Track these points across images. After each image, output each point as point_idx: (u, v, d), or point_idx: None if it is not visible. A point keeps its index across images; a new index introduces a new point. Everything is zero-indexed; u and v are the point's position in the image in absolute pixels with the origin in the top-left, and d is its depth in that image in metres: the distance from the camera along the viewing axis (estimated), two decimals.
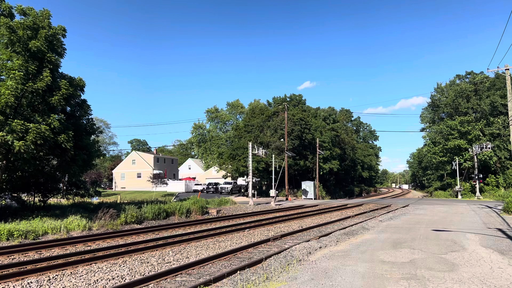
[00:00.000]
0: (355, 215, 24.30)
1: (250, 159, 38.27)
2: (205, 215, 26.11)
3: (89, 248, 12.94)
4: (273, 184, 41.13)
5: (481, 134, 56.01)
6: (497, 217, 20.78)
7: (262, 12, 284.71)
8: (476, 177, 50.42)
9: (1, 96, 16.40)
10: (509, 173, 54.85)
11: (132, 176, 78.18)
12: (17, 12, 19.32)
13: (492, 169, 56.51)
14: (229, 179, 63.10)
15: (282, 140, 55.49)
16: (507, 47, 62.26)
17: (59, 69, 20.63)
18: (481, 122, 56.73)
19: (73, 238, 14.79)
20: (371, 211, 27.46)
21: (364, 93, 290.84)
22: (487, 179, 55.67)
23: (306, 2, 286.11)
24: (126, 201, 34.53)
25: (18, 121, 16.55)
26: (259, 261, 9.89)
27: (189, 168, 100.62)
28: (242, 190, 57.50)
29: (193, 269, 9.54)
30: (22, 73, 17.23)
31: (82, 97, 22.38)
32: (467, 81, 67.27)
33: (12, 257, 11.47)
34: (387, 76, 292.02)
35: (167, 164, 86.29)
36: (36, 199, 22.39)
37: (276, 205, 36.63)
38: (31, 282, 8.44)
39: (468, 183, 56.62)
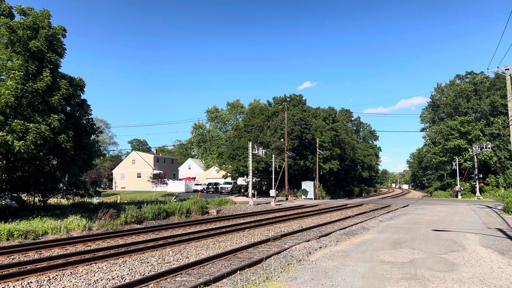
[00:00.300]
0: (355, 215, 24.30)
1: (250, 159, 38.27)
2: (205, 215, 26.11)
3: (89, 248, 12.94)
4: (273, 184, 41.12)
5: (481, 134, 56.02)
6: (497, 217, 20.78)
7: (262, 12, 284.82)
8: (476, 177, 50.42)
9: (1, 96, 16.40)
10: (509, 173, 54.85)
11: (132, 176, 78.18)
12: (17, 12, 19.32)
13: (492, 169, 56.51)
14: (229, 179, 63.11)
15: (282, 140, 55.49)
16: (507, 47, 62.30)
17: (59, 69, 20.63)
18: (481, 122, 56.73)
19: (73, 238, 14.79)
20: (371, 211, 27.46)
21: (364, 93, 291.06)
22: (487, 179, 55.67)
23: (306, 2, 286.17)
24: (126, 201, 34.52)
25: (18, 121, 16.55)
26: (259, 261, 9.89)
27: (189, 168, 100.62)
28: (242, 190, 57.49)
29: (193, 269, 9.54)
30: (22, 73, 17.24)
31: (82, 97, 22.40)
32: (467, 81, 67.25)
33: (12, 257, 11.47)
34: (387, 76, 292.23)
35: (167, 164, 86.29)
36: (36, 199, 22.39)
37: (276, 205, 36.62)
38: (31, 282, 8.44)
39: (468, 183, 56.62)
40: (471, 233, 14.13)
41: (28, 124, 16.90)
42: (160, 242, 13.74)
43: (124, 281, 8.61)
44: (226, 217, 23.80)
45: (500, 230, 15.14)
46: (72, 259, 10.67)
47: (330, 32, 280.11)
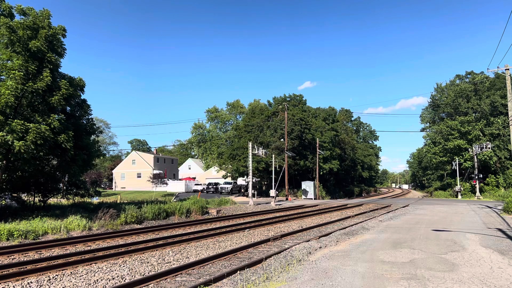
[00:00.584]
0: (355, 215, 24.30)
1: (250, 159, 38.27)
2: (205, 215, 26.11)
3: (89, 248, 12.93)
4: (273, 184, 41.12)
5: (481, 134, 56.03)
6: (497, 217, 20.78)
7: (262, 12, 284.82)
8: (476, 177, 50.43)
9: (1, 96, 16.40)
10: (509, 173, 54.86)
11: (132, 176, 78.18)
12: (17, 12, 19.31)
13: (492, 169, 56.52)
14: (229, 179, 63.11)
15: (282, 140, 55.48)
16: (507, 47, 62.29)
17: (59, 69, 20.63)
18: (481, 122, 56.73)
19: (73, 238, 14.79)
20: (371, 211, 27.46)
21: (364, 93, 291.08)
22: (487, 179, 55.67)
23: (306, 2, 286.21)
24: (126, 201, 34.52)
25: (18, 121, 16.55)
26: (259, 261, 9.89)
27: (189, 168, 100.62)
28: (242, 190, 57.49)
29: (193, 269, 9.54)
30: (22, 73, 17.24)
31: (82, 97, 22.41)
32: (467, 81, 67.27)
33: (12, 257, 11.47)
34: (387, 76, 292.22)
35: (167, 164, 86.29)
36: (36, 199, 22.39)
37: (276, 205, 36.63)
38: (31, 282, 8.44)
39: (468, 183, 56.63)
40: (471, 233, 14.13)
41: (28, 124, 16.90)
42: (160, 242, 13.74)
43: (124, 281, 8.61)
44: (226, 217, 23.80)
45: (500, 230, 15.14)
46: (72, 259, 10.67)
47: (330, 32, 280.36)
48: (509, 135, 31.85)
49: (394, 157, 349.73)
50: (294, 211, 29.55)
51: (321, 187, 59.07)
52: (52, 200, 25.49)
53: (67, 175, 23.32)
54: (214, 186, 59.74)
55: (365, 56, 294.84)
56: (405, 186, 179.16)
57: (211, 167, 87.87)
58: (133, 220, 20.25)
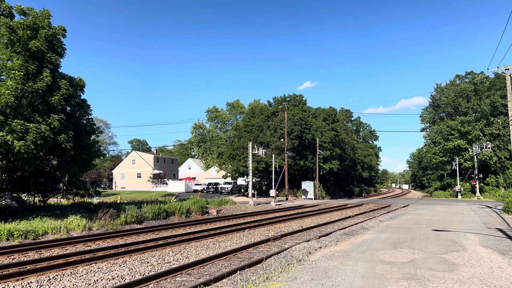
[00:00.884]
0: (355, 215, 24.30)
1: (250, 159, 38.27)
2: (205, 215, 26.11)
3: (89, 248, 12.93)
4: (273, 184, 41.12)
5: (481, 134, 56.03)
6: (497, 217, 20.78)
7: (262, 12, 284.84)
8: (476, 177, 50.43)
9: (1, 96, 16.40)
10: (509, 173, 54.85)
11: (132, 176, 78.17)
12: (17, 12, 19.31)
13: (492, 169, 56.52)
14: (229, 179, 63.11)
15: (282, 140, 55.48)
16: (507, 47, 62.30)
17: (59, 69, 20.62)
18: (481, 122, 56.73)
19: (73, 238, 14.79)
20: (371, 211, 27.46)
21: (364, 93, 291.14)
22: (487, 179, 55.67)
23: (306, 2, 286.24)
24: (126, 201, 34.52)
25: (18, 121, 16.55)
26: (259, 261, 9.89)
27: (189, 168, 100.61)
28: (242, 190, 57.49)
29: (193, 269, 9.54)
30: (22, 73, 17.23)
31: (82, 97, 22.41)
32: (467, 81, 67.27)
33: (12, 257, 11.47)
34: (387, 76, 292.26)
35: (167, 164, 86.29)
36: (36, 199, 22.38)
37: (276, 205, 36.62)
38: (31, 282, 8.44)
39: (468, 183, 56.62)
40: (471, 233, 14.13)
41: (28, 124, 16.89)
42: (160, 242, 13.73)
43: (124, 281, 8.61)
44: (226, 217, 23.80)
45: (500, 230, 15.14)
46: (72, 259, 10.66)
47: (330, 32, 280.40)
48: (509, 135, 31.85)
49: (394, 157, 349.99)
50: (294, 211, 29.55)
51: (321, 187, 59.07)
52: (52, 200, 25.49)
53: (67, 175, 23.32)
54: (214, 186, 59.74)
55: (365, 56, 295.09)
56: (405, 186, 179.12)
57: (211, 167, 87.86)
58: (133, 220, 20.25)
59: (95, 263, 10.40)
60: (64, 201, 26.38)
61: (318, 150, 57.11)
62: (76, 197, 24.93)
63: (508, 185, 53.94)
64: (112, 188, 79.28)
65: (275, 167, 45.01)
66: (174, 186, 64.80)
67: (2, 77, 18.42)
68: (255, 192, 45.84)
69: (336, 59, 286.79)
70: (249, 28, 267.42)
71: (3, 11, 19.26)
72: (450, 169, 60.25)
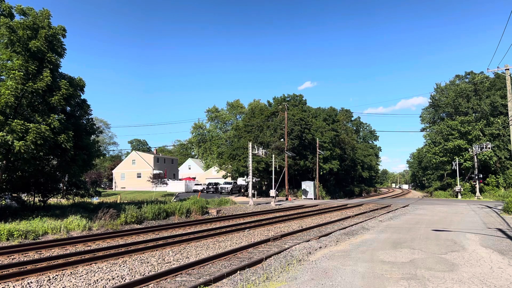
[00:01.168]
0: (355, 215, 24.30)
1: (250, 159, 38.26)
2: (205, 215, 26.11)
3: (89, 248, 12.93)
4: (273, 184, 41.12)
5: (481, 134, 56.03)
6: (497, 217, 20.78)
7: (262, 12, 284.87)
8: (476, 177, 50.42)
9: (1, 96, 16.40)
10: (509, 173, 54.85)
11: (132, 176, 78.17)
12: (17, 12, 19.30)
13: (492, 169, 56.51)
14: (229, 179, 63.10)
15: (282, 140, 55.48)
16: (507, 47, 62.30)
17: (59, 69, 20.62)
18: (481, 122, 56.73)
19: (73, 238, 14.79)
20: (371, 211, 27.46)
21: (364, 93, 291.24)
22: (487, 179, 55.67)
23: (306, 2, 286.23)
24: (126, 201, 34.52)
25: (18, 121, 16.55)
26: (259, 261, 9.89)
27: (189, 168, 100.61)
28: (242, 190, 57.49)
29: (193, 269, 9.54)
30: (22, 73, 17.23)
31: (82, 97, 22.39)
32: (467, 81, 67.28)
33: (12, 257, 11.47)
34: (388, 76, 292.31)
35: (167, 164, 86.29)
36: (36, 199, 22.38)
37: (276, 205, 36.62)
38: (31, 282, 8.44)
39: (468, 183, 56.62)
40: (471, 233, 14.13)
41: (28, 124, 16.89)
42: (160, 242, 13.73)
43: (124, 281, 8.61)
44: (226, 217, 23.80)
45: (500, 230, 15.14)
46: (72, 259, 10.66)
47: (330, 32, 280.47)
48: (509, 135, 31.85)
49: (394, 157, 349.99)
50: (294, 211, 29.54)
51: (321, 187, 59.07)
52: (52, 200, 25.49)
53: (67, 175, 23.31)
54: (214, 186, 59.74)
55: (365, 56, 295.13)
56: (405, 186, 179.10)
57: (211, 167, 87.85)
58: (133, 220, 20.25)
59: (95, 263, 10.40)
60: (64, 201, 26.38)
61: (318, 150, 57.11)
62: (76, 197, 24.93)
63: (508, 185, 53.93)
64: (112, 188, 79.27)
65: (275, 167, 45.01)
66: (174, 186, 64.81)
67: (2, 77, 18.41)
68: (255, 192, 45.84)
69: (336, 59, 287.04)
70: (249, 28, 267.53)
71: (3, 11, 19.25)
72: (450, 169, 60.23)
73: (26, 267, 9.65)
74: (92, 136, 23.66)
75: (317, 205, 35.76)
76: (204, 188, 61.57)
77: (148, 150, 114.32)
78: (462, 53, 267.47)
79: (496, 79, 60.65)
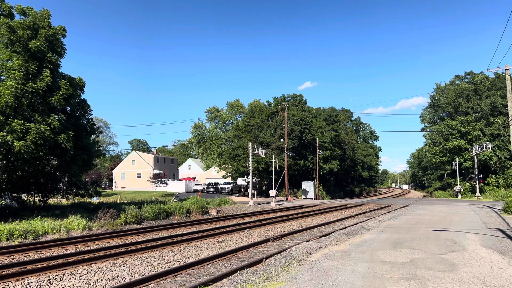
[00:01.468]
0: (355, 215, 24.30)
1: (250, 159, 38.26)
2: (205, 215, 26.11)
3: (89, 248, 12.93)
4: (273, 184, 41.12)
5: (481, 134, 56.02)
6: (497, 217, 20.78)
7: (262, 12, 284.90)
8: (476, 177, 50.42)
9: (1, 96, 16.40)
10: (509, 173, 54.84)
11: (132, 176, 78.16)
12: (17, 12, 19.31)
13: (492, 169, 56.51)
14: (229, 179, 63.08)
15: (282, 140, 55.47)
16: (507, 47, 62.31)
17: (59, 69, 20.62)
18: (481, 122, 56.73)
19: (73, 238, 14.79)
20: (371, 211, 27.45)
21: (364, 93, 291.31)
22: (487, 179, 55.66)
23: (306, 2, 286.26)
24: (126, 201, 34.52)
25: (18, 121, 16.55)
26: (259, 261, 9.88)
27: (189, 168, 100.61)
28: (242, 190, 57.48)
29: (193, 269, 9.54)
30: (22, 73, 17.23)
31: (82, 97, 22.40)
32: (467, 81, 67.29)
33: (12, 257, 11.47)
34: (388, 76, 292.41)
35: (167, 164, 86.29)
36: (36, 199, 22.38)
37: (276, 205, 36.62)
38: (31, 282, 8.44)
39: (468, 183, 56.62)
40: (471, 233, 14.12)
41: (28, 124, 16.89)
42: (160, 242, 13.73)
43: (124, 281, 8.61)
44: (226, 217, 23.80)
45: (500, 230, 15.14)
46: (72, 259, 10.66)
47: (331, 32, 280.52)
48: (509, 135, 31.84)
49: (394, 157, 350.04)
50: (294, 211, 29.54)
51: (321, 187, 59.06)
52: (52, 200, 25.49)
53: (67, 175, 23.31)
54: (214, 186, 59.73)
55: (365, 56, 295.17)
56: (405, 186, 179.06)
57: (211, 167, 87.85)
58: (133, 220, 20.25)
59: (95, 263, 10.40)
60: (64, 201, 26.38)
61: (318, 150, 57.11)
62: (76, 197, 24.92)
63: (508, 185, 53.92)
64: (112, 188, 79.27)
65: (275, 167, 45.00)
66: (174, 186, 64.81)
67: (2, 77, 18.41)
68: (255, 192, 45.84)
69: (336, 59, 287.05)
70: (249, 28, 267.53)
71: (3, 11, 19.26)
72: (450, 169, 60.22)
73: (26, 267, 9.65)
74: (92, 136, 23.67)
75: (317, 205, 35.75)
76: (204, 188, 61.56)
77: (148, 150, 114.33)
78: (462, 53, 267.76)
79: (496, 79, 60.65)
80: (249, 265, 9.45)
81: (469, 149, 53.00)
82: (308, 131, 60.24)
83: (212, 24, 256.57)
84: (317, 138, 59.07)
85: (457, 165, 54.77)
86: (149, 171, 73.55)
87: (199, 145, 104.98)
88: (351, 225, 17.60)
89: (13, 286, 8.23)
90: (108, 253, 11.65)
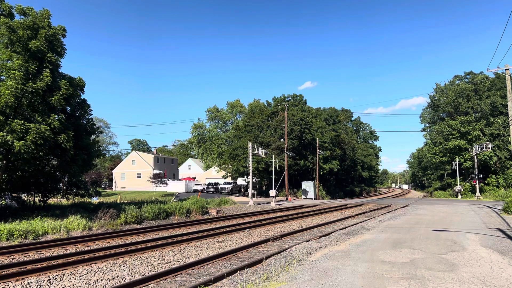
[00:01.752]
0: (355, 215, 24.30)
1: (250, 159, 38.26)
2: (205, 215, 26.10)
3: (89, 248, 12.93)
4: (273, 184, 41.12)
5: (481, 134, 56.02)
6: (497, 217, 20.78)
7: (262, 12, 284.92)
8: (476, 177, 50.43)
9: (1, 96, 16.40)
10: (509, 173, 54.84)
11: (132, 176, 78.17)
12: (17, 12, 19.31)
13: (492, 169, 56.50)
14: (229, 179, 63.08)
15: (282, 140, 55.47)
16: (507, 47, 62.28)
17: (59, 69, 20.62)
18: (481, 122, 56.72)
19: (73, 238, 14.79)
20: (371, 211, 27.45)
21: (364, 93, 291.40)
22: (487, 179, 55.66)
23: (306, 2, 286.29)
24: (126, 201, 34.51)
25: (18, 121, 16.55)
26: (259, 261, 9.89)
27: (189, 168, 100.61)
28: (242, 190, 57.48)
29: (193, 269, 9.53)
30: (22, 73, 17.23)
31: (82, 97, 22.40)
32: (467, 81, 67.29)
33: (12, 257, 11.46)
34: (388, 76, 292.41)
35: (167, 164, 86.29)
36: (36, 199, 22.38)
37: (276, 205, 36.62)
38: (31, 282, 8.44)
39: (468, 183, 56.62)
40: (471, 233, 14.12)
41: (28, 124, 16.89)
42: (160, 242, 13.73)
43: (124, 281, 8.61)
44: (226, 217, 23.80)
45: (500, 230, 15.14)
46: (72, 259, 10.66)
47: (331, 32, 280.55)
48: (509, 135, 31.84)
49: (394, 157, 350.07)
50: (294, 211, 29.54)
51: (321, 187, 59.05)
52: (52, 200, 25.49)
53: (67, 175, 23.31)
54: (214, 186, 59.73)
55: (365, 56, 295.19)
56: (405, 186, 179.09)
57: (211, 167, 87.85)
58: (133, 220, 20.25)
59: (95, 263, 10.40)
60: (64, 201, 26.38)
61: (318, 150, 57.10)
62: (76, 197, 24.92)
63: (508, 185, 53.91)
64: (112, 188, 79.27)
65: (275, 167, 45.00)
66: (174, 186, 64.80)
67: (2, 77, 18.41)
68: (255, 192, 45.84)
69: (336, 59, 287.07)
70: (249, 28, 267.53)
71: (3, 11, 19.26)
72: (450, 169, 60.22)
73: (26, 267, 9.65)
74: (92, 136, 23.67)
75: (317, 205, 35.75)
76: (204, 188, 61.56)
77: (148, 150, 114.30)
78: (462, 53, 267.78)
79: (496, 79, 60.65)
80: (249, 265, 9.45)
81: (469, 149, 53.00)
82: (308, 131, 60.23)
83: (212, 24, 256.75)
84: (317, 138, 59.07)
85: (457, 165, 54.77)
86: (149, 171, 73.56)
87: (199, 145, 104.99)
88: (351, 225, 17.60)
89: (13, 286, 8.23)
90: (108, 253, 11.65)
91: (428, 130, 74.17)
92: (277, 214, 26.47)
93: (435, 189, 71.63)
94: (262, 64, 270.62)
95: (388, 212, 25.55)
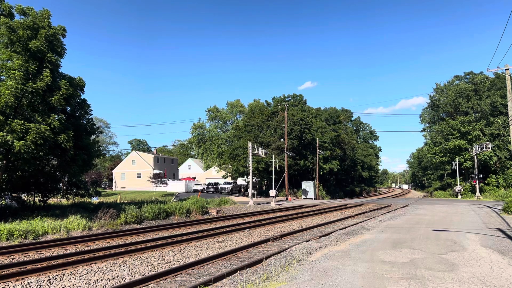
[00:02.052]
0: (355, 215, 24.30)
1: (250, 159, 38.26)
2: (205, 215, 26.11)
3: (89, 248, 12.93)
4: (273, 184, 41.12)
5: (481, 134, 56.03)
6: (497, 217, 20.78)
7: (263, 12, 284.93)
8: (476, 177, 50.44)
9: (1, 96, 16.40)
10: (509, 173, 54.86)
11: (132, 176, 78.18)
12: (17, 12, 19.32)
13: (492, 169, 56.52)
14: (229, 179, 63.09)
15: (282, 140, 55.47)
16: (507, 47, 62.22)
17: (59, 69, 20.63)
18: (481, 122, 56.74)
19: (73, 238, 14.79)
20: (371, 211, 27.45)
21: (364, 93, 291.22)
22: (487, 179, 55.67)
23: (306, 2, 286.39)
24: (126, 201, 34.51)
25: (18, 121, 16.55)
26: (259, 261, 9.89)
27: (189, 168, 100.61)
28: (242, 190, 57.48)
29: (193, 269, 9.54)
30: (22, 73, 17.23)
31: (82, 97, 22.41)
32: (466, 81, 67.31)
33: (12, 257, 11.47)
34: (388, 76, 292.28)
35: (167, 164, 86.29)
36: (36, 199, 22.38)
37: (276, 205, 36.62)
38: (31, 282, 8.44)
39: (468, 183, 56.64)
40: (471, 233, 14.13)
41: (28, 124, 16.89)
42: (160, 242, 13.73)
43: (124, 281, 8.61)
44: (226, 217, 23.80)
45: (500, 230, 15.14)
46: (72, 259, 10.66)
47: (331, 32, 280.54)
48: (509, 135, 31.84)
49: (394, 157, 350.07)
50: (294, 211, 29.54)
51: (321, 187, 59.05)
52: (52, 200, 25.49)
53: (67, 175, 23.31)
54: (214, 186, 59.73)
55: (365, 56, 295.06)
56: (405, 186, 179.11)
57: (211, 167, 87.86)
58: (133, 220, 20.25)
59: (95, 263, 10.40)
60: (64, 201, 26.38)
61: (318, 150, 57.10)
62: (76, 197, 24.92)
63: (508, 185, 53.93)
64: (112, 188, 79.28)
65: (275, 167, 45.01)
66: (174, 186, 64.81)
67: (2, 77, 18.42)
68: (255, 192, 45.85)
69: (336, 59, 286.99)
70: (249, 28, 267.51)
71: (3, 11, 19.26)
72: (450, 169, 60.24)
73: (26, 267, 9.65)
74: (92, 136, 23.67)
75: (317, 205, 35.76)
76: (204, 188, 61.56)
77: (148, 150, 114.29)
78: (462, 53, 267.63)
79: (496, 79, 60.67)
80: (249, 265, 9.45)
81: (469, 149, 53.01)
82: (308, 131, 60.23)
83: (212, 24, 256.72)
84: (317, 138, 59.07)
85: (457, 165, 54.78)
86: (149, 171, 73.57)
87: (199, 145, 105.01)
88: (351, 225, 17.60)
89: (13, 286, 8.23)
90: (108, 253, 11.65)
91: (428, 130, 74.22)
92: (277, 214, 26.47)
93: (435, 189, 71.65)
94: (262, 64, 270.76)
95: (388, 212, 25.55)
